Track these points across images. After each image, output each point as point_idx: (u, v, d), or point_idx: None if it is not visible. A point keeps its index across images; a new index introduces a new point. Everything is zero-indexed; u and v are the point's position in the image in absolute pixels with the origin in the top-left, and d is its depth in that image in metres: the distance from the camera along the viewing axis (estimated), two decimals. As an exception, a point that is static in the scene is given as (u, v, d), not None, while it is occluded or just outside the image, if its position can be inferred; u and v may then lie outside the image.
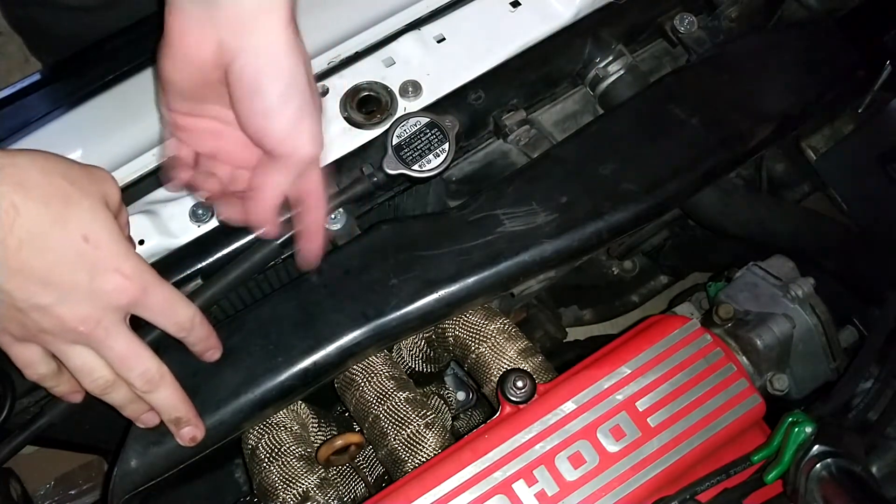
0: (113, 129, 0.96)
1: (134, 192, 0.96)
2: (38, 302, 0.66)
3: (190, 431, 0.80)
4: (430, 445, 0.87)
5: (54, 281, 0.66)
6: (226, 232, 0.90)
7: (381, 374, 0.92)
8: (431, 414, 0.91)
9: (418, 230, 0.90)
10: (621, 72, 1.03)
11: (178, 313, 0.75)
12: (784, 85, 1.01)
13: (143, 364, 0.74)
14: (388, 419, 0.90)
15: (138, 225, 0.89)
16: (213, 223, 0.92)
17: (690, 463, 0.78)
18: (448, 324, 0.95)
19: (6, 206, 0.63)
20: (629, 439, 0.78)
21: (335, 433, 0.99)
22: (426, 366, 1.04)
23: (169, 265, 0.89)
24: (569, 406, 0.80)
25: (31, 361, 0.72)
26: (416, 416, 0.89)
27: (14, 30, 1.37)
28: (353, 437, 0.92)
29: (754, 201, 1.11)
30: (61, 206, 0.66)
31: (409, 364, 1.03)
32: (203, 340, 0.80)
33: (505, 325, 0.94)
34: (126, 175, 0.96)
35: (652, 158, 0.94)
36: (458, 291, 0.86)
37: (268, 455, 0.88)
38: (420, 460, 0.87)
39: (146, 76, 0.99)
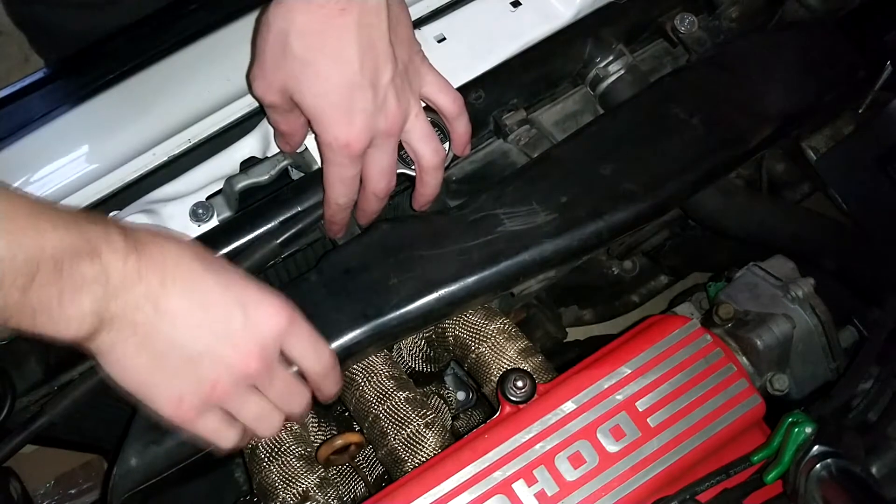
0: (115, 127, 0.96)
1: (135, 190, 0.96)
2: (207, 345, 0.68)
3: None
4: (429, 445, 0.87)
5: (214, 317, 0.68)
6: (226, 231, 0.90)
7: (381, 374, 0.92)
8: (431, 414, 0.91)
9: (418, 230, 0.90)
10: (622, 72, 1.03)
11: (323, 350, 0.77)
12: (784, 85, 1.01)
13: (303, 399, 0.77)
14: (387, 419, 0.90)
15: (139, 224, 0.89)
16: (213, 222, 0.92)
17: (690, 463, 0.78)
18: (448, 323, 0.95)
19: (157, 256, 0.66)
20: (629, 439, 0.78)
21: (335, 433, 0.99)
22: (426, 365, 1.04)
23: (169, 264, 0.89)
24: (569, 406, 0.80)
25: (218, 433, 0.73)
26: (416, 415, 0.89)
27: (17, 27, 1.37)
28: (353, 437, 0.92)
29: (754, 201, 1.11)
30: (199, 252, 0.70)
31: (409, 364, 1.03)
32: (335, 386, 0.81)
33: (505, 324, 0.94)
34: (127, 174, 0.96)
35: (652, 158, 0.94)
36: (458, 291, 0.86)
37: (268, 454, 0.88)
38: (420, 460, 0.87)
39: (148, 75, 0.99)
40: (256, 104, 0.98)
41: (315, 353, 0.76)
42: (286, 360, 0.74)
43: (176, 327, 0.66)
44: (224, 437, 0.73)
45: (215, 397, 0.70)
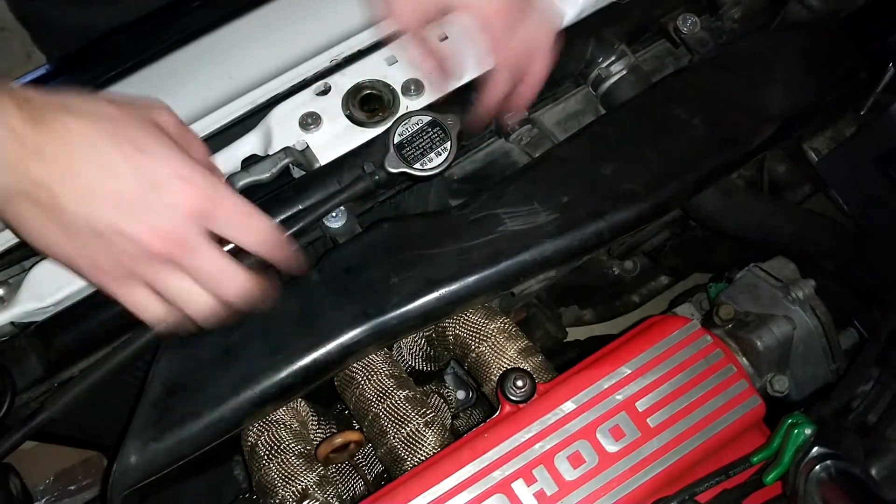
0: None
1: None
2: (113, 222, 0.66)
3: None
4: (429, 444, 0.87)
5: (122, 199, 0.66)
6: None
7: (381, 373, 0.92)
8: (431, 412, 0.91)
9: (419, 229, 0.90)
10: (624, 72, 1.03)
11: (255, 222, 0.73)
12: (786, 86, 1.01)
13: (236, 282, 0.73)
14: (387, 417, 0.90)
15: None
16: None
17: (690, 463, 0.78)
18: (448, 323, 0.95)
19: (61, 131, 0.64)
20: (629, 439, 0.78)
21: (335, 431, 0.99)
22: (426, 364, 1.04)
23: (170, 262, 0.89)
24: (568, 406, 0.80)
25: (141, 304, 0.72)
26: (416, 414, 0.89)
27: (20, 23, 1.38)
28: (353, 435, 0.93)
29: (755, 202, 1.11)
30: (110, 125, 0.67)
31: (410, 362, 1.03)
32: (287, 256, 0.78)
33: (505, 324, 0.94)
34: (128, 171, 0.96)
35: (653, 159, 0.94)
36: (459, 290, 0.86)
37: (267, 452, 0.88)
38: (419, 459, 0.87)
39: (150, 72, 0.99)
40: (258, 102, 0.98)
41: (247, 226, 0.73)
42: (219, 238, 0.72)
43: (81, 203, 0.65)
44: (147, 311, 0.72)
45: (130, 270, 0.69)
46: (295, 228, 0.86)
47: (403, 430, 0.89)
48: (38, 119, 0.64)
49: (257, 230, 0.74)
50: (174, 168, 0.68)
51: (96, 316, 0.88)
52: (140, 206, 0.67)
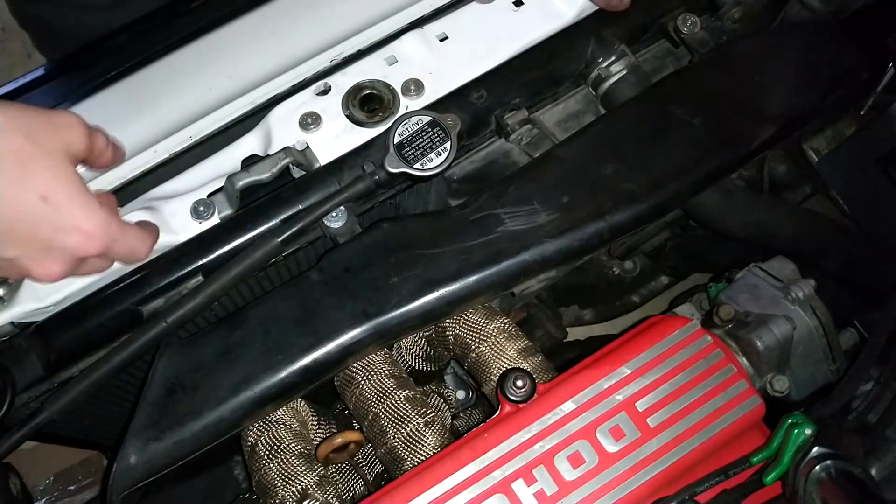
0: (116, 124, 0.95)
1: (136, 187, 0.96)
2: (17, 254, 0.70)
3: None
4: (429, 444, 0.87)
5: (17, 238, 0.69)
6: (226, 229, 0.90)
7: (381, 372, 0.92)
8: (431, 412, 0.91)
9: (419, 229, 0.90)
10: (624, 72, 1.03)
11: (138, 256, 0.80)
12: (787, 86, 1.01)
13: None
14: (387, 417, 0.90)
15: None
16: (215, 220, 0.92)
17: (690, 463, 0.78)
18: (448, 322, 0.95)
19: None
20: (629, 439, 0.78)
21: (335, 431, 0.99)
22: (426, 364, 1.04)
23: (170, 262, 0.89)
24: (568, 406, 0.80)
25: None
26: (416, 414, 0.89)
27: (21, 26, 1.38)
28: (353, 435, 0.93)
29: (756, 202, 1.11)
30: (17, 166, 0.67)
31: (410, 362, 1.03)
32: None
33: (505, 324, 0.94)
34: (128, 171, 0.96)
35: (654, 159, 0.94)
36: (459, 290, 0.86)
37: (267, 452, 0.88)
38: (419, 459, 0.87)
39: (150, 72, 0.99)
40: (258, 102, 0.98)
41: (130, 261, 0.82)
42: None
43: None
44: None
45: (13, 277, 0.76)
46: (295, 228, 0.87)
47: (403, 430, 0.89)
48: None
49: (139, 259, 0.82)
50: (74, 219, 0.70)
51: (96, 316, 0.88)
52: (36, 250, 0.70)
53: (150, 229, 0.84)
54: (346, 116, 0.95)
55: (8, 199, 0.67)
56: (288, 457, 0.88)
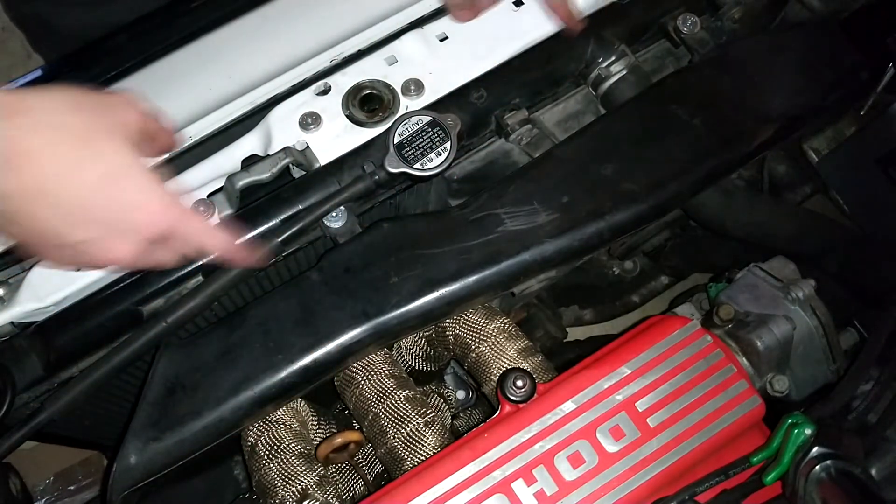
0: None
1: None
2: (72, 239, 0.69)
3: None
4: (429, 444, 0.87)
5: (83, 219, 0.68)
6: (227, 229, 0.90)
7: (381, 372, 0.92)
8: (431, 412, 0.91)
9: (419, 229, 0.90)
10: (624, 72, 1.03)
11: (210, 232, 0.79)
12: (787, 86, 1.01)
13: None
14: (387, 417, 0.90)
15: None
16: (215, 220, 0.92)
17: (690, 464, 0.78)
18: (448, 322, 0.95)
19: (32, 150, 0.64)
20: (629, 439, 0.78)
21: (335, 431, 0.99)
22: (426, 364, 1.04)
23: (170, 262, 0.89)
24: (568, 406, 0.80)
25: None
26: (416, 414, 0.89)
27: (17, 25, 1.37)
28: (353, 435, 0.93)
29: (756, 202, 1.11)
30: (78, 146, 0.67)
31: (410, 362, 1.03)
32: (245, 261, 0.83)
33: (505, 324, 0.94)
34: (128, 171, 0.96)
35: (654, 159, 0.94)
36: (459, 290, 0.86)
37: (267, 452, 0.88)
38: (419, 459, 0.87)
39: (149, 72, 0.99)
40: (258, 102, 0.98)
41: (202, 243, 0.78)
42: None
43: (42, 221, 0.67)
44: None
45: (93, 267, 0.77)
46: (295, 228, 0.87)
47: (403, 430, 0.89)
48: (14, 135, 0.64)
49: (210, 244, 0.80)
50: (142, 194, 0.70)
51: (96, 316, 0.88)
52: (106, 229, 0.70)
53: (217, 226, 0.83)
54: (347, 116, 0.95)
55: (71, 179, 0.66)
56: (288, 457, 0.88)
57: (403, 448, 0.88)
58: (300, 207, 0.90)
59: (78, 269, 0.79)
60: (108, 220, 0.69)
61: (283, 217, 0.90)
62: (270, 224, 0.89)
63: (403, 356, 1.03)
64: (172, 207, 0.73)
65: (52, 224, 0.68)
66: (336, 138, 0.94)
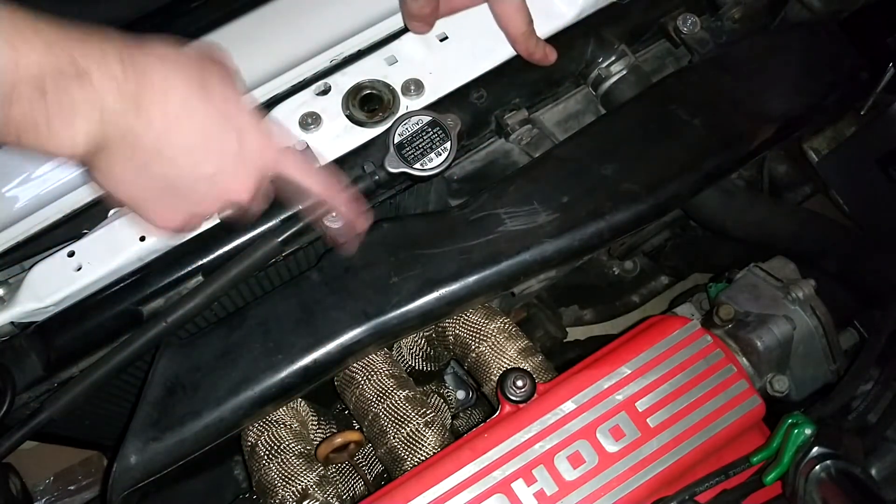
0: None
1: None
2: (204, 171, 0.70)
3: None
4: (429, 444, 0.88)
5: (212, 149, 0.70)
6: (227, 229, 0.90)
7: (381, 372, 0.92)
8: (431, 412, 0.91)
9: (419, 229, 0.90)
10: (624, 72, 1.03)
11: (315, 171, 0.80)
12: (786, 86, 1.01)
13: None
14: (387, 417, 0.90)
15: (139, 222, 0.89)
16: (215, 219, 0.92)
17: (690, 464, 0.78)
18: (448, 322, 0.95)
19: (158, 80, 0.66)
20: (629, 439, 0.78)
21: (335, 431, 0.99)
22: (426, 364, 1.04)
23: (170, 262, 0.89)
24: (568, 406, 0.80)
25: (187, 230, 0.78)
26: (416, 414, 0.89)
27: None
28: (353, 435, 0.93)
29: (756, 202, 1.11)
30: (199, 75, 0.69)
31: (410, 362, 1.03)
32: (349, 204, 0.83)
33: (505, 324, 0.94)
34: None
35: (654, 159, 0.94)
36: (459, 290, 0.86)
37: (267, 452, 0.88)
38: (419, 459, 0.87)
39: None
40: (258, 102, 0.98)
41: (309, 174, 0.79)
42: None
43: (175, 157, 0.68)
44: (178, 231, 0.78)
45: (206, 212, 0.76)
46: (295, 228, 0.86)
47: (403, 430, 0.89)
48: (139, 72, 0.65)
49: (319, 173, 0.80)
50: (252, 120, 0.73)
51: (96, 316, 0.88)
52: (227, 160, 0.71)
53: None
54: (347, 116, 0.95)
55: (195, 112, 0.68)
56: (288, 457, 0.88)
57: (403, 448, 0.88)
58: (300, 207, 0.90)
59: (182, 230, 0.77)
60: (232, 147, 0.71)
61: (283, 217, 0.89)
62: (270, 224, 0.89)
63: (403, 356, 1.03)
64: (281, 143, 0.76)
65: (184, 160, 0.69)
66: (336, 138, 0.94)
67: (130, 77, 0.64)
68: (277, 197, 0.91)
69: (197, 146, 0.69)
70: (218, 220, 0.91)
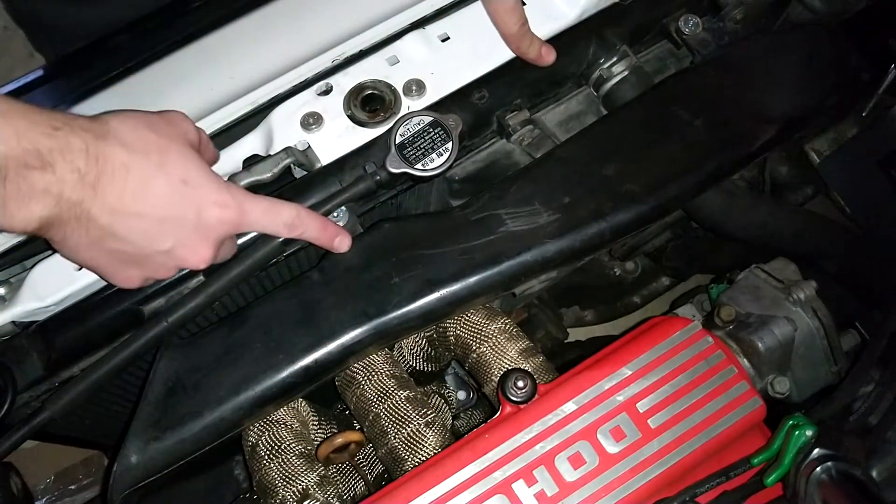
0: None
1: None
2: (161, 247, 0.75)
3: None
4: (429, 444, 0.87)
5: (171, 225, 0.73)
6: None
7: (381, 373, 0.92)
8: (432, 413, 0.91)
9: (420, 229, 0.90)
10: (625, 73, 1.03)
11: (280, 217, 0.81)
12: (788, 88, 1.01)
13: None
14: (388, 417, 0.90)
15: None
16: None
17: (690, 465, 0.78)
18: (449, 323, 0.95)
19: (118, 167, 0.70)
20: (629, 440, 0.78)
21: (335, 431, 0.99)
22: (427, 364, 1.04)
23: (171, 261, 0.89)
24: (569, 406, 0.80)
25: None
26: (417, 414, 0.89)
27: (17, 24, 1.37)
28: (354, 436, 0.93)
29: (757, 204, 1.11)
30: (158, 157, 0.73)
31: (410, 363, 1.03)
32: (321, 232, 0.85)
33: (506, 324, 0.94)
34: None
35: (655, 159, 0.94)
36: (460, 291, 0.86)
37: (268, 452, 0.88)
38: (420, 459, 0.87)
39: (151, 72, 0.99)
40: (259, 102, 0.98)
41: (274, 224, 0.81)
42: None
43: (129, 236, 0.72)
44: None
45: (163, 276, 0.81)
46: (296, 228, 0.87)
47: (404, 431, 0.89)
48: (101, 161, 0.69)
49: (283, 220, 0.82)
50: (211, 195, 0.76)
51: (97, 315, 0.88)
52: (187, 233, 0.75)
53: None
54: (348, 116, 0.95)
55: (159, 187, 0.72)
56: (288, 457, 0.88)
57: (404, 448, 0.88)
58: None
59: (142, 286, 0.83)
60: (188, 224, 0.74)
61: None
62: (272, 224, 0.89)
63: (404, 356, 1.03)
64: (240, 201, 0.78)
65: (137, 239, 0.73)
66: (338, 138, 0.94)
67: (92, 168, 0.68)
68: (278, 197, 0.91)
69: (153, 225, 0.73)
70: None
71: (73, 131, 0.68)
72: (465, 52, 0.99)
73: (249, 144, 0.96)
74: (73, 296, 0.88)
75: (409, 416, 0.89)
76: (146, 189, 0.72)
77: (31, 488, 1.46)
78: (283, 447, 0.89)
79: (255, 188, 0.91)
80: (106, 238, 0.72)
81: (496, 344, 0.92)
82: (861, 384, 0.84)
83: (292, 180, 0.94)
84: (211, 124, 0.98)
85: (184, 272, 0.87)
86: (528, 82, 1.00)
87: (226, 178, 0.91)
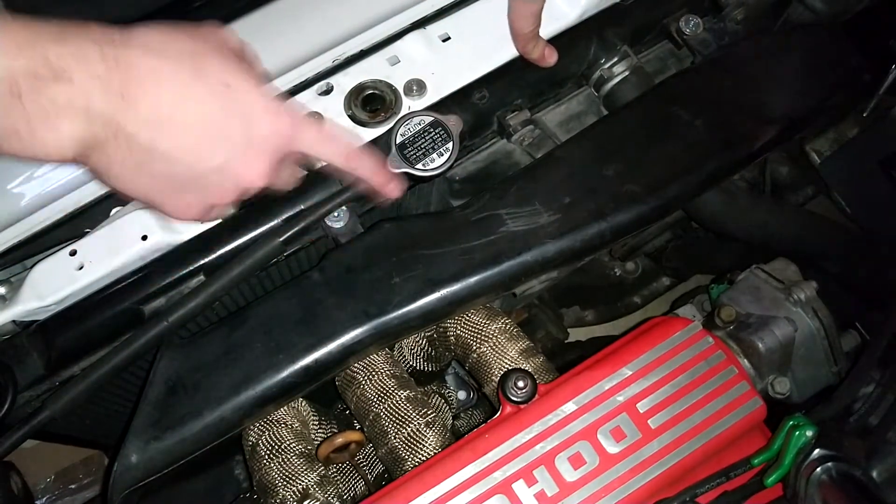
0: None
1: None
2: (212, 162, 0.66)
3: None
4: (430, 444, 0.87)
5: (215, 137, 0.66)
6: (228, 228, 0.90)
7: (382, 372, 0.92)
8: (432, 413, 0.91)
9: (421, 229, 0.90)
10: (626, 73, 1.03)
11: (338, 144, 0.75)
12: (789, 88, 1.01)
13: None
14: (388, 417, 0.90)
15: (141, 221, 0.90)
16: (216, 219, 0.92)
17: (691, 465, 0.78)
18: (450, 323, 0.95)
19: (146, 73, 0.62)
20: (629, 440, 0.78)
21: (335, 431, 0.99)
22: (427, 364, 1.04)
23: (172, 261, 0.89)
24: (569, 407, 0.80)
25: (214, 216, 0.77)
26: (417, 414, 0.89)
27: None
28: (354, 435, 0.93)
29: (758, 204, 1.11)
30: (192, 61, 0.65)
31: (411, 362, 1.03)
32: (376, 172, 0.80)
33: (506, 324, 0.94)
34: (130, 170, 0.96)
35: (656, 160, 0.94)
36: (460, 291, 0.86)
37: (268, 452, 0.88)
38: (420, 459, 0.87)
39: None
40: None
41: (330, 145, 0.75)
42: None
43: (175, 154, 0.65)
44: (199, 219, 0.75)
45: (223, 202, 0.72)
46: (296, 228, 0.86)
47: (404, 431, 0.89)
48: (123, 67, 0.61)
49: (338, 146, 0.76)
50: (259, 100, 0.68)
51: (98, 315, 0.88)
52: (235, 146, 0.67)
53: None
54: (349, 116, 0.95)
55: (190, 97, 0.64)
56: (289, 456, 0.88)
57: (404, 448, 0.88)
58: (302, 207, 0.90)
59: (202, 221, 0.76)
60: (238, 134, 0.67)
61: (284, 217, 0.90)
62: (272, 224, 0.89)
63: (405, 356, 1.03)
64: (294, 114, 0.71)
65: (184, 155, 0.65)
66: (338, 138, 0.94)
67: (114, 73, 0.60)
68: (277, 196, 0.91)
69: (198, 139, 0.65)
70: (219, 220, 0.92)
71: (83, 34, 0.60)
72: (466, 52, 0.99)
73: (250, 144, 0.96)
74: (73, 295, 0.88)
75: (409, 416, 0.89)
76: (185, 96, 0.63)
77: (32, 488, 1.46)
78: (283, 447, 0.89)
79: (256, 188, 0.91)
80: (151, 159, 0.64)
81: (496, 344, 0.92)
82: (861, 385, 0.84)
83: (293, 180, 0.93)
84: (211, 124, 0.98)
85: (189, 269, 0.87)
86: (529, 82, 1.01)
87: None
